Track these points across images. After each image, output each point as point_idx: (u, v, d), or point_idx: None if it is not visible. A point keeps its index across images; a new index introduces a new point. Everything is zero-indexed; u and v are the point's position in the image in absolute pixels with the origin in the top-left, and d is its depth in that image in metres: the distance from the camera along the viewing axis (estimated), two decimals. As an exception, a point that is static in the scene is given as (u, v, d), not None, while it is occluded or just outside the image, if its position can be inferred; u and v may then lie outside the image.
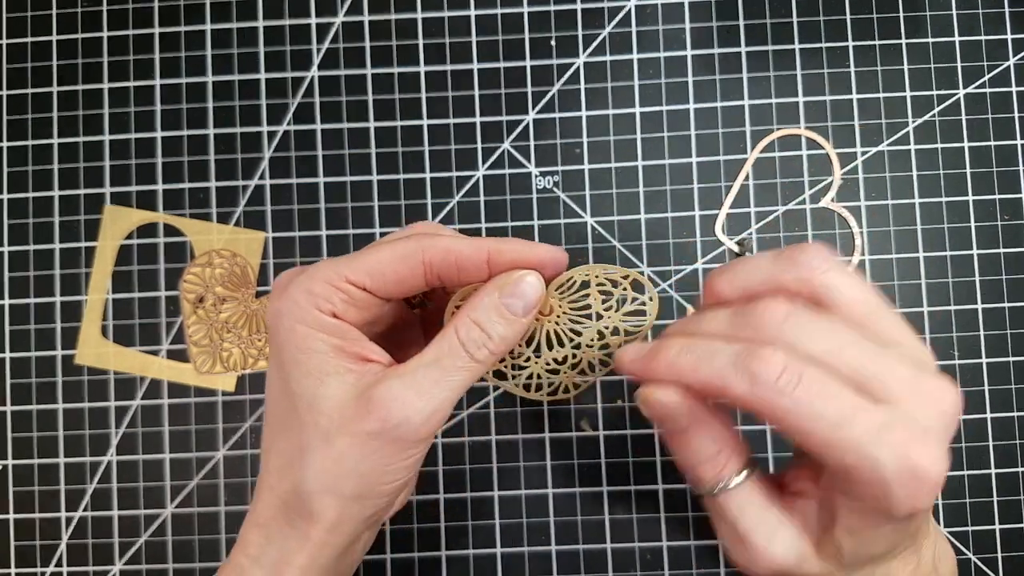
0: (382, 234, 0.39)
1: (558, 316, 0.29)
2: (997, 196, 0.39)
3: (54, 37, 0.41)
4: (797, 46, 0.40)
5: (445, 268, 0.25)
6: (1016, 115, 0.39)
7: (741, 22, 0.40)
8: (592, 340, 0.29)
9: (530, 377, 0.31)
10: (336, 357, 0.24)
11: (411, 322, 0.30)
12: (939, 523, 0.38)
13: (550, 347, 0.29)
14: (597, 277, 0.28)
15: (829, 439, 0.22)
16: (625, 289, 0.28)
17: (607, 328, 0.29)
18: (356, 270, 0.24)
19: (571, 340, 0.29)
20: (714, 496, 0.26)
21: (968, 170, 0.39)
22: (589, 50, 0.40)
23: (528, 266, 0.25)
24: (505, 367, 0.30)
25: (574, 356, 0.29)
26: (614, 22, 0.40)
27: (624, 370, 0.26)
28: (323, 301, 0.24)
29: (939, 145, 0.39)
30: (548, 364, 0.29)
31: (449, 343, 0.24)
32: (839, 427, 0.22)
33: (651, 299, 0.29)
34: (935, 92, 0.39)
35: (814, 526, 0.25)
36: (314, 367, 0.24)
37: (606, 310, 0.29)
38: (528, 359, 0.29)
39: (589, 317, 0.29)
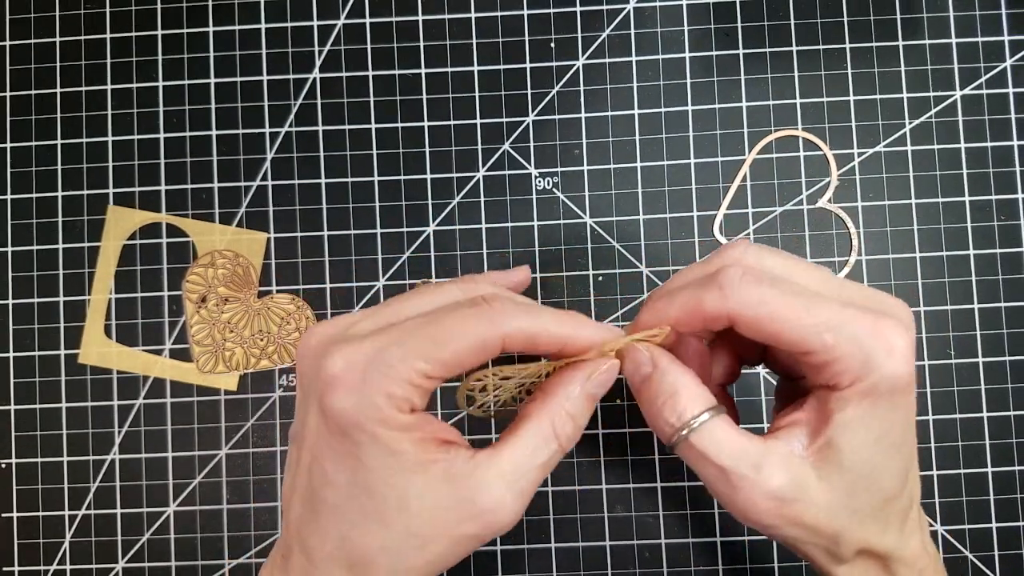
0: (383, 235, 0.40)
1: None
2: (993, 197, 0.39)
3: (57, 39, 0.41)
4: (794, 48, 0.40)
5: (517, 349, 0.24)
6: (1013, 116, 0.39)
7: (739, 24, 0.40)
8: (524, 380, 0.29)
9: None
10: (421, 452, 0.23)
11: None
12: (936, 521, 0.38)
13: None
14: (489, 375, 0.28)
15: (805, 323, 0.23)
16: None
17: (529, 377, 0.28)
18: (435, 363, 0.23)
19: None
20: (686, 439, 0.25)
21: (965, 171, 0.39)
22: (588, 52, 0.40)
23: (584, 351, 0.25)
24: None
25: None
26: (613, 24, 0.40)
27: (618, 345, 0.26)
28: (404, 402, 0.23)
29: (936, 146, 0.40)
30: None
31: (547, 439, 0.24)
32: (809, 310, 0.23)
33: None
34: (932, 94, 0.40)
35: (805, 443, 0.24)
36: (402, 467, 0.23)
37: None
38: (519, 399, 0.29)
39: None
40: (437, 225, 0.40)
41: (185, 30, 0.41)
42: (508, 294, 0.26)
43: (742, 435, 0.25)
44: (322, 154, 0.40)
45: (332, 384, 0.23)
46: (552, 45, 0.40)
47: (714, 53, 0.40)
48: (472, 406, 0.28)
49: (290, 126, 0.40)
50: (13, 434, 0.40)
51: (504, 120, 0.40)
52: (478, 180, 0.40)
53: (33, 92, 0.41)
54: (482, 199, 0.40)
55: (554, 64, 0.40)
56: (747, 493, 0.24)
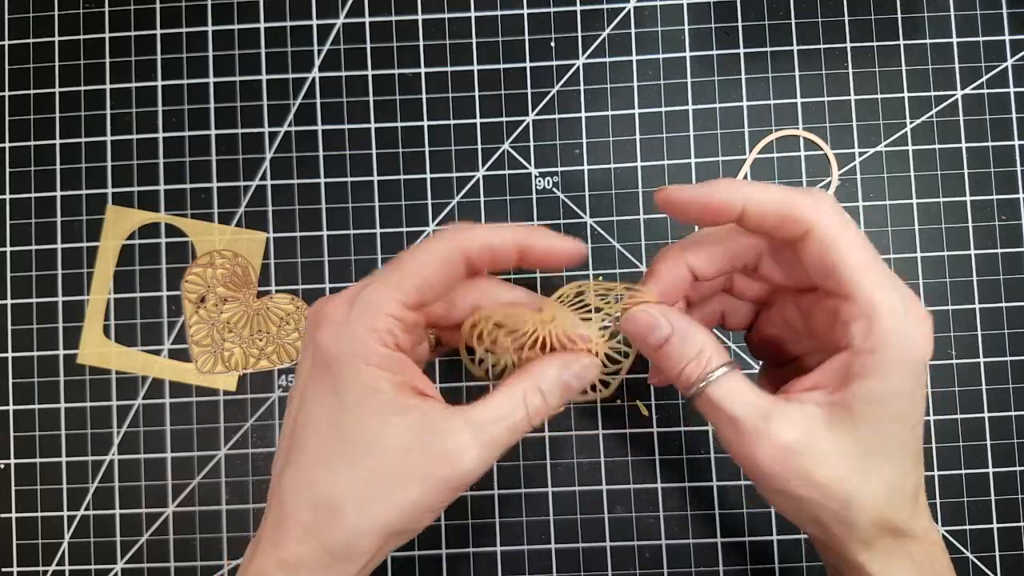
0: (383, 235, 0.40)
1: (560, 321, 0.29)
2: (994, 196, 0.39)
3: (56, 38, 0.41)
4: (795, 47, 0.40)
5: (482, 264, 0.26)
6: (1014, 116, 0.39)
7: (739, 24, 0.40)
8: (600, 332, 0.29)
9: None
10: (399, 395, 0.24)
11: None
12: (937, 522, 0.38)
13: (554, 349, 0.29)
14: (591, 287, 0.29)
15: (868, 267, 0.24)
16: (620, 294, 0.28)
17: (608, 317, 0.29)
18: (408, 290, 0.24)
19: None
20: (703, 392, 0.26)
21: (966, 171, 0.39)
22: (588, 52, 0.40)
23: (553, 258, 0.26)
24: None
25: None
26: (613, 24, 0.40)
27: (675, 200, 0.26)
28: (387, 335, 0.24)
29: (937, 146, 0.39)
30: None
31: (515, 405, 0.25)
32: (875, 261, 0.24)
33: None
34: (933, 93, 0.40)
35: (820, 403, 0.25)
36: (379, 407, 0.24)
37: (605, 303, 0.29)
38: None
39: (590, 318, 0.29)
40: (437, 225, 0.40)
41: (184, 29, 0.41)
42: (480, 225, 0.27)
43: (755, 390, 0.26)
44: (321, 154, 0.40)
45: (321, 323, 0.24)
46: (552, 45, 0.40)
47: (714, 52, 0.40)
48: (476, 365, 0.28)
49: (289, 126, 0.40)
50: (12, 434, 0.39)
51: (504, 120, 0.40)
52: (478, 180, 0.40)
53: (32, 91, 0.41)
54: (482, 199, 0.40)
55: (554, 64, 0.40)
56: (756, 443, 0.25)
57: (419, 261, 0.25)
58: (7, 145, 0.41)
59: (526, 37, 0.40)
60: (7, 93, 0.41)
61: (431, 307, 0.27)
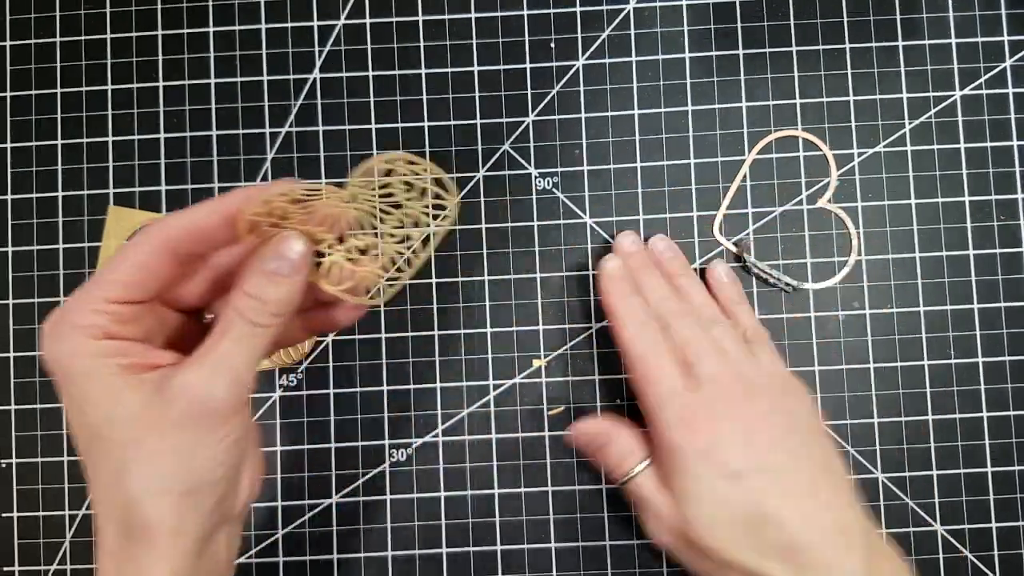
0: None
1: (359, 204, 0.28)
2: (993, 197, 0.39)
3: (58, 39, 0.41)
4: (794, 48, 0.40)
5: (195, 246, 0.26)
6: (1012, 116, 0.39)
7: (739, 24, 0.40)
8: (394, 231, 0.28)
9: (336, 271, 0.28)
10: (125, 374, 0.24)
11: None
12: (936, 521, 0.38)
13: (353, 237, 0.28)
14: (402, 165, 0.28)
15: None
16: (425, 182, 0.28)
17: (408, 217, 0.28)
18: (108, 287, 0.25)
19: (373, 229, 0.28)
20: (627, 482, 0.34)
21: (964, 171, 0.39)
22: (588, 53, 0.40)
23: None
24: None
25: (375, 247, 0.28)
26: (613, 25, 0.40)
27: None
28: (92, 328, 0.24)
29: (935, 146, 0.40)
30: (350, 252, 0.27)
31: (230, 318, 0.25)
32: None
33: (450, 194, 0.29)
34: (931, 94, 0.40)
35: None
36: (105, 390, 0.24)
37: (408, 199, 0.28)
38: (330, 246, 0.27)
39: (394, 207, 0.28)
40: (437, 226, 0.40)
41: (185, 30, 0.41)
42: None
43: (658, 482, 0.32)
44: (322, 154, 0.40)
45: (41, 339, 0.25)
46: (552, 45, 0.40)
47: (714, 53, 0.40)
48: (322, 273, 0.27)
49: (290, 126, 0.40)
50: (13, 434, 0.40)
51: (504, 120, 0.40)
52: (478, 180, 0.40)
53: (34, 92, 0.41)
54: (482, 199, 0.40)
55: (554, 64, 0.40)
56: (653, 522, 0.32)
57: (124, 259, 0.25)
58: (9, 145, 0.41)
59: (526, 38, 0.40)
60: (9, 94, 0.41)
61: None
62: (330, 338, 0.39)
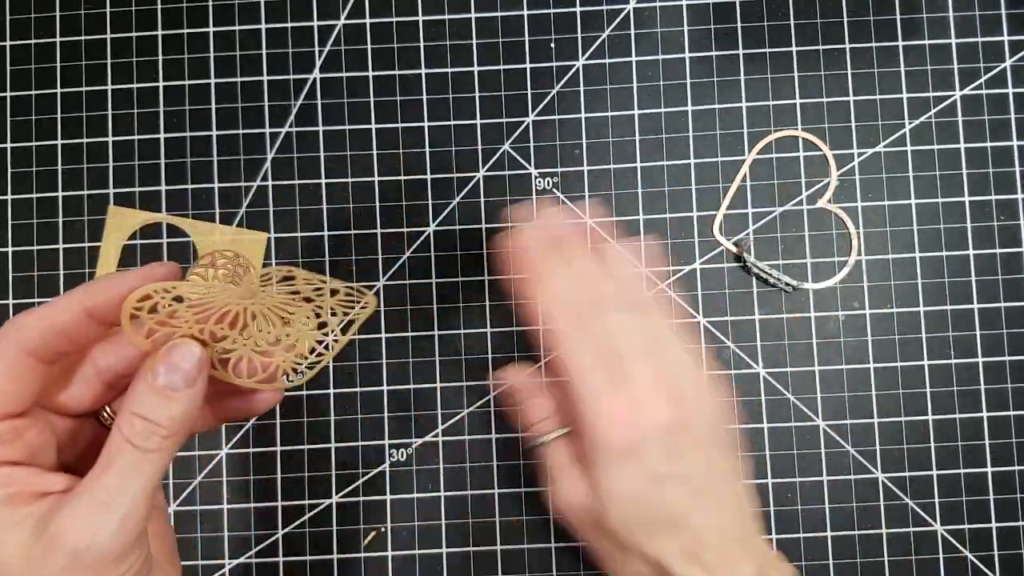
0: (383, 235, 0.40)
1: (260, 300, 0.26)
2: (993, 197, 0.39)
3: (57, 39, 0.41)
4: (794, 48, 0.40)
5: (57, 346, 0.22)
6: (1012, 116, 0.39)
7: (739, 25, 0.40)
8: (306, 320, 0.26)
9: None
10: (7, 508, 0.21)
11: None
12: (936, 521, 0.38)
13: (258, 329, 0.26)
14: (300, 281, 0.27)
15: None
16: (326, 290, 0.27)
17: (320, 310, 0.27)
18: None
19: (281, 320, 0.26)
20: (537, 448, 0.33)
21: (964, 171, 0.39)
22: (588, 53, 0.40)
23: (123, 295, 0.23)
24: (214, 355, 0.25)
25: (287, 335, 0.26)
26: (613, 25, 0.40)
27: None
28: None
29: (935, 146, 0.40)
30: (258, 346, 0.26)
31: (117, 445, 0.22)
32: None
33: (365, 293, 0.28)
34: (931, 94, 0.40)
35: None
36: None
37: (318, 295, 0.27)
38: (235, 342, 0.25)
39: (305, 300, 0.27)
40: (437, 225, 0.40)
41: (185, 30, 0.41)
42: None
43: (568, 455, 0.32)
44: (322, 154, 0.40)
45: None
46: (552, 45, 0.40)
47: (714, 53, 0.40)
48: (147, 335, 0.23)
49: (290, 126, 0.40)
50: (14, 434, 0.40)
51: (504, 120, 0.40)
52: (478, 180, 0.40)
53: (34, 92, 0.41)
54: (482, 199, 0.40)
55: (554, 64, 0.40)
56: (555, 496, 0.32)
57: None
58: (9, 146, 0.41)
59: (526, 38, 0.40)
60: (9, 94, 0.41)
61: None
62: (330, 339, 0.39)
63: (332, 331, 0.26)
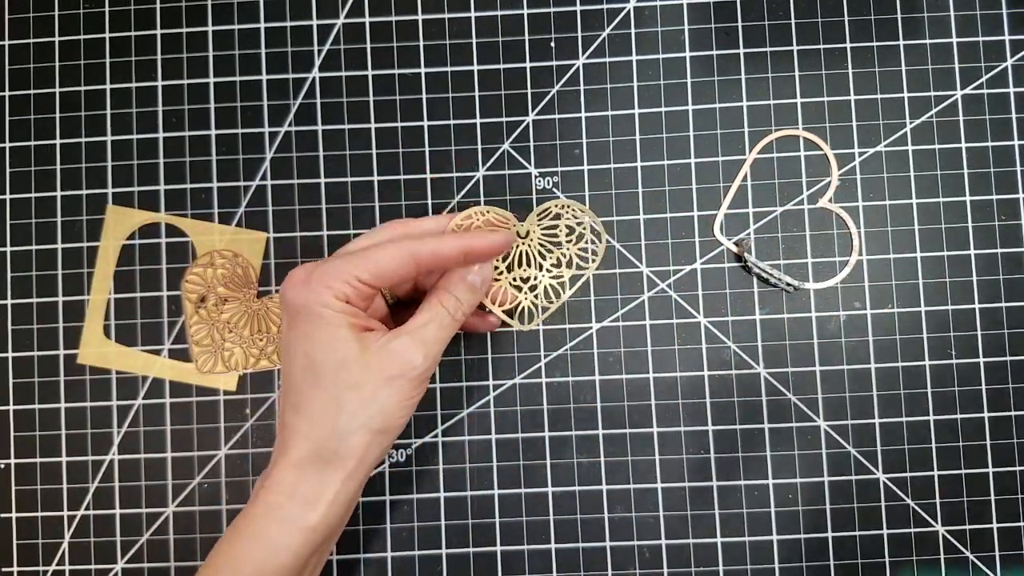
0: (383, 234, 0.40)
1: (530, 242, 0.36)
2: (994, 196, 0.39)
3: (56, 38, 0.41)
4: (795, 48, 0.40)
5: (430, 265, 0.32)
6: (1014, 116, 0.39)
7: (739, 24, 0.40)
8: (551, 267, 0.36)
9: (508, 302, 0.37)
10: (353, 329, 0.31)
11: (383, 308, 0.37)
12: (937, 521, 0.38)
13: (519, 266, 0.36)
14: (570, 210, 0.36)
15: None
16: (585, 229, 0.37)
17: (564, 256, 0.37)
18: (363, 271, 0.31)
19: (536, 264, 0.37)
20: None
21: (965, 171, 0.39)
22: (588, 52, 0.40)
23: (491, 254, 0.33)
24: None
25: (534, 277, 0.36)
26: (613, 24, 0.40)
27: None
28: (340, 293, 0.31)
29: (936, 146, 0.39)
30: (514, 281, 0.36)
31: (437, 309, 0.33)
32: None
33: (600, 242, 0.37)
34: (932, 93, 0.40)
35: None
36: (339, 338, 0.31)
37: (568, 240, 0.36)
38: (501, 273, 0.36)
39: (556, 245, 0.37)
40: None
41: (184, 29, 0.41)
42: (430, 226, 0.35)
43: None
44: (321, 154, 0.40)
45: (289, 283, 0.31)
46: (552, 45, 0.40)
47: (714, 52, 0.40)
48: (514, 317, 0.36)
49: (289, 126, 0.40)
50: (12, 434, 0.40)
51: (504, 120, 0.40)
52: (478, 180, 0.40)
53: (32, 92, 0.41)
54: (482, 199, 0.40)
55: (554, 64, 0.40)
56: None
57: (378, 255, 0.31)
58: (7, 145, 0.41)
59: (526, 37, 0.40)
60: (7, 93, 0.41)
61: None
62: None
63: (563, 283, 0.37)
